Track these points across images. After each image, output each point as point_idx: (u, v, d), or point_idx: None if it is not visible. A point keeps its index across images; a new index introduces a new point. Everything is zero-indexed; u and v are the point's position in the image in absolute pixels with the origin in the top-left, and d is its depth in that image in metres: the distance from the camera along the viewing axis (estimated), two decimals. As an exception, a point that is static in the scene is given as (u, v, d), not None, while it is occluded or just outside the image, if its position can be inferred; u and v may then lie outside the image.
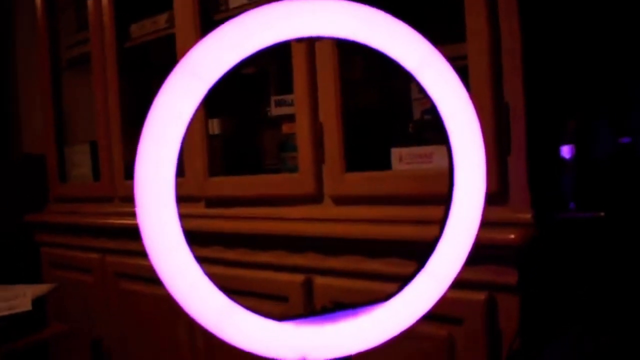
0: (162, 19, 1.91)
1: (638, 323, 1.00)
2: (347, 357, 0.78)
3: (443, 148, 1.31)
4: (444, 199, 0.81)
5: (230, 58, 0.65)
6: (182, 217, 0.67)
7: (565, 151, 1.11)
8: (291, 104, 1.61)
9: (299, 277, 1.49)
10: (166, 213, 0.66)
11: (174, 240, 0.67)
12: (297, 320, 0.74)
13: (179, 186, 0.65)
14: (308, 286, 1.48)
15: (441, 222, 0.81)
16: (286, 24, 0.67)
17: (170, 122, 0.64)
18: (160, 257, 0.67)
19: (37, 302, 1.66)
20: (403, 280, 0.79)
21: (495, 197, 1.16)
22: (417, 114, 1.44)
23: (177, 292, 0.69)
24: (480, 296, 1.18)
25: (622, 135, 1.13)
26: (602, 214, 1.01)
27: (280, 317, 0.73)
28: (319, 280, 1.46)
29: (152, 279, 1.90)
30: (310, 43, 1.45)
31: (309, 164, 1.47)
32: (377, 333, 0.78)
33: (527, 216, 1.14)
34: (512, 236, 1.12)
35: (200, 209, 1.73)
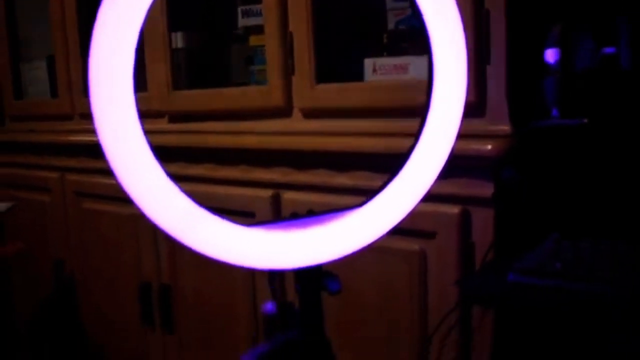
0: None
1: (618, 229, 0.99)
2: (318, 267, 0.75)
3: (419, 59, 1.27)
4: (418, 112, 0.77)
5: None
6: (146, 133, 0.61)
7: (550, 55, 1.06)
8: (259, 14, 1.54)
9: (267, 192, 1.45)
10: (125, 113, 0.60)
11: (134, 142, 0.61)
12: (266, 226, 0.70)
13: (141, 101, 0.60)
14: (276, 201, 1.44)
15: (417, 131, 0.77)
16: None
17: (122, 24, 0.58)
18: (120, 160, 0.61)
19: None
20: (376, 189, 0.75)
21: (472, 107, 1.12)
22: (391, 24, 1.37)
23: (140, 198, 0.63)
24: (454, 209, 1.15)
25: (605, 45, 1.09)
26: (586, 120, 0.97)
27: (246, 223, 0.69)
28: (287, 195, 1.43)
29: (113, 197, 1.85)
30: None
31: (278, 75, 1.41)
32: (349, 241, 0.74)
33: (505, 128, 1.11)
34: (489, 147, 1.09)
35: (163, 124, 1.67)
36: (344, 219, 0.74)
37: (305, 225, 0.72)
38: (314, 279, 0.76)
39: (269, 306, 0.77)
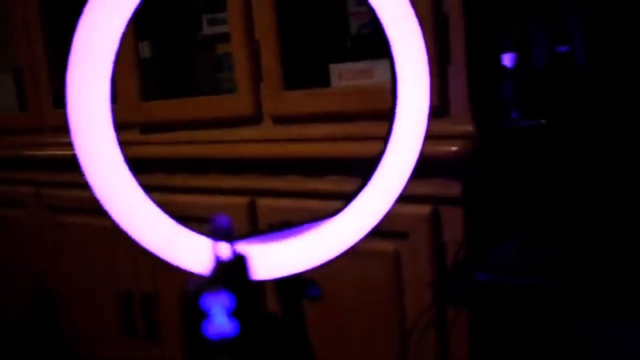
0: None
1: (582, 225, 1.03)
2: (297, 275, 0.78)
3: (383, 63, 1.30)
4: (385, 115, 0.80)
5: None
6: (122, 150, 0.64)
7: (507, 59, 1.10)
8: (224, 22, 1.55)
9: (242, 200, 1.48)
10: (104, 135, 0.62)
11: (114, 163, 0.64)
12: (244, 241, 0.73)
13: (112, 113, 0.62)
14: (251, 208, 1.47)
15: (385, 137, 0.80)
16: None
17: (101, 37, 0.60)
18: (101, 183, 0.64)
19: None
20: (349, 196, 0.78)
21: (436, 109, 1.15)
22: (354, 29, 1.40)
23: (121, 218, 0.66)
24: (425, 209, 1.19)
25: (559, 44, 1.13)
26: (544, 121, 1.02)
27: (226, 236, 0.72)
28: (262, 202, 1.45)
29: (89, 209, 1.85)
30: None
31: (247, 84, 1.43)
32: (325, 249, 0.77)
33: (469, 128, 1.14)
34: (455, 148, 1.12)
35: (135, 135, 1.67)
36: (320, 228, 0.77)
37: (282, 237, 0.75)
38: (294, 287, 0.79)
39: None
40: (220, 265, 0.59)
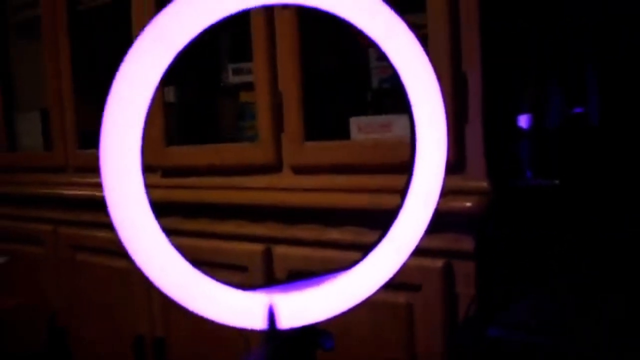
0: (116, -19, 1.86)
1: (594, 284, 1.04)
2: (312, 325, 0.80)
3: (402, 117, 1.33)
4: (403, 168, 0.82)
5: (198, 24, 0.64)
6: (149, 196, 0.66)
7: (523, 120, 1.13)
8: (249, 72, 1.60)
9: (259, 247, 1.50)
10: (133, 184, 0.65)
11: (141, 210, 0.66)
12: (262, 290, 0.75)
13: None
14: (268, 255, 1.49)
15: (403, 192, 0.82)
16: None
17: (137, 90, 0.64)
18: (128, 228, 0.66)
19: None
20: (366, 249, 0.80)
21: (452, 165, 1.18)
22: (375, 83, 1.44)
23: (143, 262, 0.68)
24: (438, 263, 1.20)
25: (575, 106, 1.16)
26: (557, 181, 1.04)
27: (243, 286, 0.74)
28: (279, 250, 1.47)
29: (108, 250, 1.87)
30: (270, 10, 1.44)
31: (269, 133, 1.46)
32: (342, 301, 0.79)
33: (484, 184, 1.16)
34: (469, 204, 1.14)
35: (156, 179, 1.71)
36: (336, 280, 0.79)
37: (299, 287, 0.77)
38: (309, 337, 0.80)
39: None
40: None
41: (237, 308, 0.73)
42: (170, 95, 1.80)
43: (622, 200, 1.10)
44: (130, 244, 0.68)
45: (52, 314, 2.12)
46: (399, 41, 0.79)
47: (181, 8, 0.64)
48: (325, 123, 1.45)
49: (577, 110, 1.16)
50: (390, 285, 0.83)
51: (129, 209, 0.67)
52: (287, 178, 1.46)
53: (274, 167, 1.47)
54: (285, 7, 1.37)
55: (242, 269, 1.52)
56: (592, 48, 1.19)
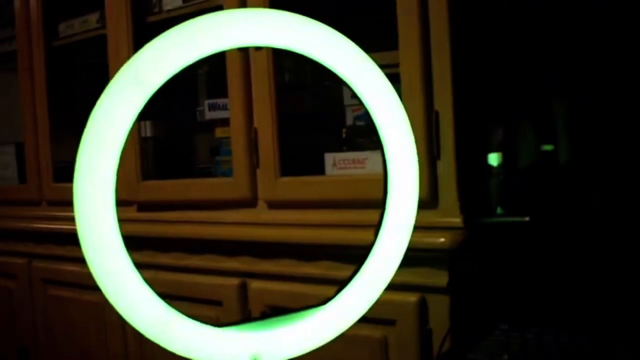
0: (92, 18, 1.87)
1: (563, 320, 1.06)
2: (286, 361, 0.80)
3: (376, 153, 1.35)
4: (377, 204, 0.83)
5: (174, 64, 0.66)
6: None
7: (493, 159, 1.16)
8: (225, 108, 1.61)
9: (234, 281, 1.50)
10: (106, 220, 0.66)
11: (113, 247, 0.67)
12: (237, 327, 0.75)
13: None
14: (243, 290, 1.49)
15: (376, 228, 0.84)
16: (230, 32, 0.68)
17: (111, 128, 0.64)
18: (100, 264, 0.66)
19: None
20: (340, 283, 0.81)
21: (425, 201, 1.19)
22: (349, 120, 1.46)
23: (116, 300, 0.68)
24: (412, 297, 1.21)
25: (544, 143, 1.19)
26: (527, 218, 1.06)
27: (218, 323, 0.74)
28: (254, 284, 1.47)
29: (80, 284, 1.85)
30: (245, 48, 1.46)
31: (244, 169, 1.47)
32: (316, 336, 0.80)
33: (457, 220, 1.18)
34: (442, 240, 1.16)
35: (132, 213, 1.71)
36: (310, 317, 0.80)
37: (273, 324, 0.77)
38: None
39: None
40: None
41: (212, 346, 0.73)
42: (147, 129, 1.81)
43: (591, 235, 1.13)
44: (102, 280, 0.68)
45: (23, 348, 2.09)
46: (370, 80, 0.81)
47: (156, 49, 0.65)
48: (301, 159, 1.47)
49: (547, 147, 1.19)
50: (365, 319, 0.83)
51: (102, 246, 0.67)
52: (262, 213, 1.47)
53: (249, 202, 1.48)
54: (258, 48, 1.39)
55: (217, 303, 1.51)
56: (560, 84, 1.22)
